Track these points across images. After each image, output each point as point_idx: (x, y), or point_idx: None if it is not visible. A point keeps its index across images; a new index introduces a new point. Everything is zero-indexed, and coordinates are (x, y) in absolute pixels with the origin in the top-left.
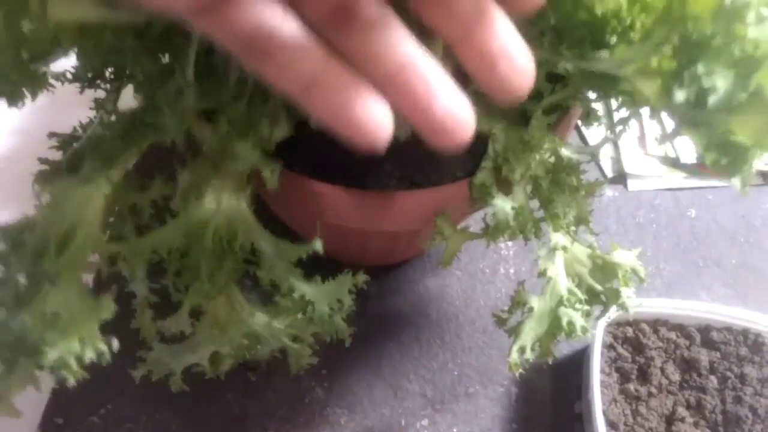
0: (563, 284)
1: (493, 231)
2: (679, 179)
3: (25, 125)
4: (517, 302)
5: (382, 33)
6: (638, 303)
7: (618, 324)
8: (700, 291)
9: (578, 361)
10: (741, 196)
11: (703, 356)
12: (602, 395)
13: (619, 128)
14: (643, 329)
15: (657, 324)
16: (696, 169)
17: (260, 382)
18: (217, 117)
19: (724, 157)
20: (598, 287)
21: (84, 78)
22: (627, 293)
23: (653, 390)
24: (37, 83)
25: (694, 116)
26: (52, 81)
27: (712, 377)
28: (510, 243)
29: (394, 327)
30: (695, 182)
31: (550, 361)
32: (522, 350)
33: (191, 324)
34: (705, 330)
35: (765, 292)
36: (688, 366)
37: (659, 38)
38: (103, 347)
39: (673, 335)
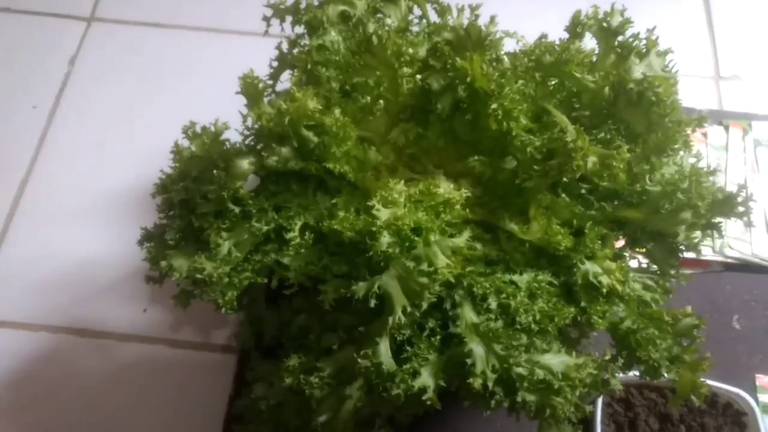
0: None
1: None
2: None
3: None
4: None
5: None
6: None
7: None
8: None
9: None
10: (706, 281)
11: (675, 411)
12: None
13: None
14: (631, 392)
15: (642, 387)
16: None
17: None
18: None
19: None
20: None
21: None
22: (613, 382)
23: None
24: None
25: None
26: None
27: (682, 426)
28: None
29: None
30: None
31: None
32: None
33: None
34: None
35: (724, 359)
36: (664, 418)
37: None
38: None
39: (653, 395)
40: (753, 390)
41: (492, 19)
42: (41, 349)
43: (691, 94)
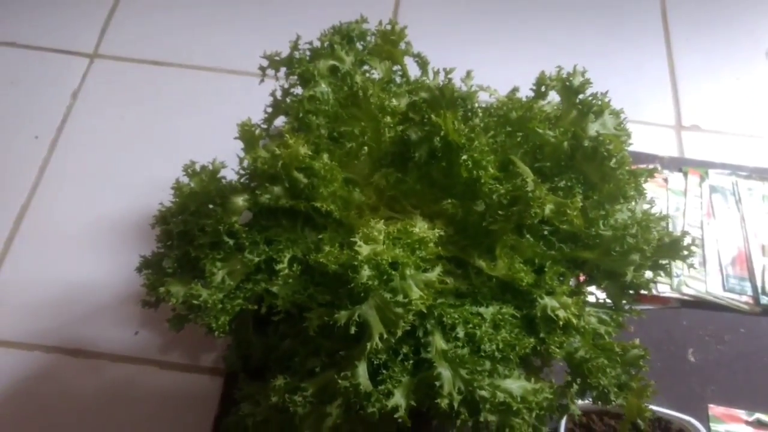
0: None
1: None
2: None
3: None
4: None
5: None
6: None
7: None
8: None
9: None
10: (665, 317)
11: None
12: None
13: None
14: (592, 418)
15: (602, 414)
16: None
17: None
18: None
19: None
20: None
21: None
22: (572, 407)
23: None
24: None
25: None
26: None
27: None
28: None
29: None
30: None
31: None
32: None
33: None
34: None
35: (679, 390)
36: None
37: None
38: None
39: (612, 422)
40: (706, 419)
41: (468, 73)
42: (35, 368)
43: (654, 142)
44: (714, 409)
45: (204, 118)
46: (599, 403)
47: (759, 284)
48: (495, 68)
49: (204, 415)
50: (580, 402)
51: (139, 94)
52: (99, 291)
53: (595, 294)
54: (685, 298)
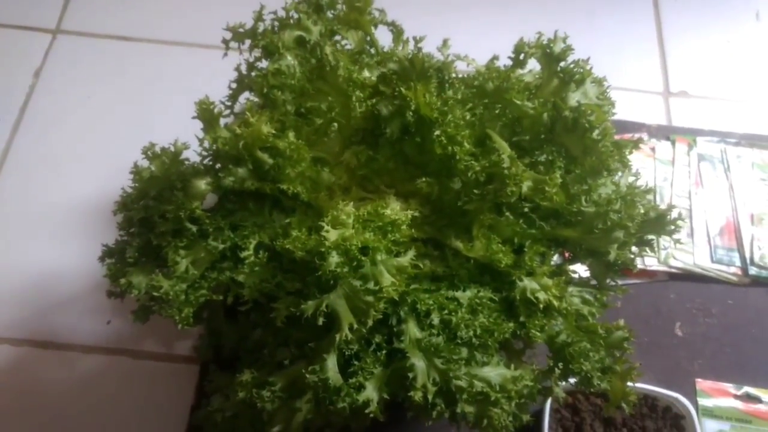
0: None
1: None
2: None
3: None
4: None
5: None
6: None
7: None
8: None
9: (535, 420)
10: (652, 290)
11: (618, 415)
12: None
13: None
14: (578, 398)
15: (588, 393)
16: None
17: None
18: None
19: None
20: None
21: None
22: (556, 390)
23: None
24: None
25: None
26: None
27: (624, 429)
28: None
29: None
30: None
31: None
32: None
33: None
34: None
35: (667, 364)
36: (608, 422)
37: None
38: None
39: (598, 401)
40: (693, 394)
41: (445, 42)
42: (4, 361)
43: (641, 109)
44: (701, 384)
45: (173, 95)
46: (581, 387)
47: (747, 255)
48: (475, 36)
49: (180, 406)
50: (564, 383)
51: (105, 71)
52: (69, 279)
53: (578, 272)
54: (673, 270)
